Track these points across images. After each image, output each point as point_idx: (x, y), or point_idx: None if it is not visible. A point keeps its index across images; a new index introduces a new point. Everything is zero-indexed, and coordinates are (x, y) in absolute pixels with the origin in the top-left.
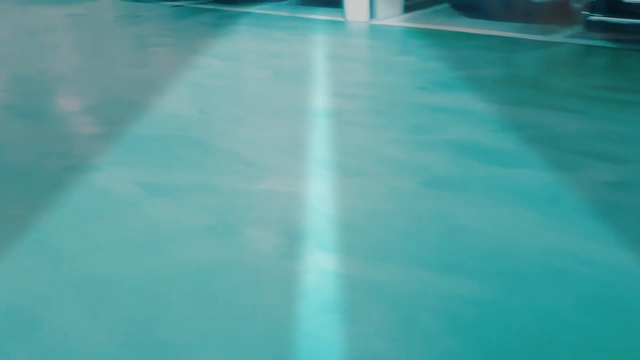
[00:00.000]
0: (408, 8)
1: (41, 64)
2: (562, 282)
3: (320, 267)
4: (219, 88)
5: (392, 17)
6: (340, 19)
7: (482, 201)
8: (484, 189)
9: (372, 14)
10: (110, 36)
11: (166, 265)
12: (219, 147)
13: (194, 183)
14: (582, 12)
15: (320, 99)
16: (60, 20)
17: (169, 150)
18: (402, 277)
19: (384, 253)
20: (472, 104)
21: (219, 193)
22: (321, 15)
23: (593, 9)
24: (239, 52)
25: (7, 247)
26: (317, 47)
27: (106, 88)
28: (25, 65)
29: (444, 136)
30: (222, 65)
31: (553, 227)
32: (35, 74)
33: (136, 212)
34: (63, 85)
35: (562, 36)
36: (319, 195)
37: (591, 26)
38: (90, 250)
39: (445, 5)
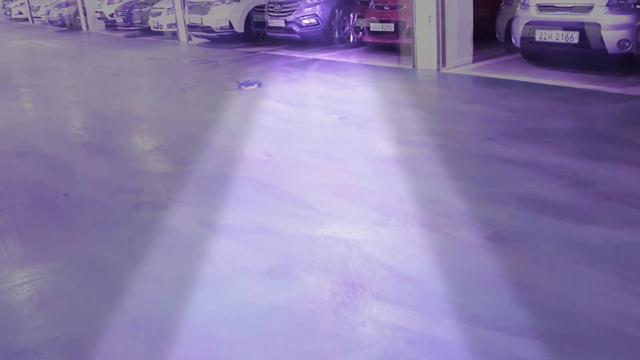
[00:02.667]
0: (478, 57)
1: (121, 105)
2: (635, 353)
3: (377, 319)
4: (285, 131)
5: (462, 66)
6: (409, 66)
7: (551, 259)
8: (554, 245)
9: (441, 62)
10: (187, 79)
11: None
12: (284, 190)
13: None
14: None
15: (385, 145)
16: (143, 63)
17: (235, 192)
18: (463, 335)
19: (444, 309)
20: (544, 157)
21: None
22: (389, 63)
23: None
24: (307, 98)
25: (75, 280)
26: (383, 94)
27: (180, 129)
28: (105, 106)
29: (512, 189)
30: (290, 109)
31: (628, 290)
32: (114, 114)
33: (199, 251)
34: (139, 125)
35: None
36: (379, 244)
37: None
38: (152, 286)
39: (517, 55)
